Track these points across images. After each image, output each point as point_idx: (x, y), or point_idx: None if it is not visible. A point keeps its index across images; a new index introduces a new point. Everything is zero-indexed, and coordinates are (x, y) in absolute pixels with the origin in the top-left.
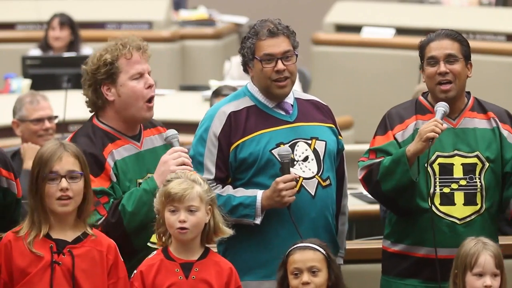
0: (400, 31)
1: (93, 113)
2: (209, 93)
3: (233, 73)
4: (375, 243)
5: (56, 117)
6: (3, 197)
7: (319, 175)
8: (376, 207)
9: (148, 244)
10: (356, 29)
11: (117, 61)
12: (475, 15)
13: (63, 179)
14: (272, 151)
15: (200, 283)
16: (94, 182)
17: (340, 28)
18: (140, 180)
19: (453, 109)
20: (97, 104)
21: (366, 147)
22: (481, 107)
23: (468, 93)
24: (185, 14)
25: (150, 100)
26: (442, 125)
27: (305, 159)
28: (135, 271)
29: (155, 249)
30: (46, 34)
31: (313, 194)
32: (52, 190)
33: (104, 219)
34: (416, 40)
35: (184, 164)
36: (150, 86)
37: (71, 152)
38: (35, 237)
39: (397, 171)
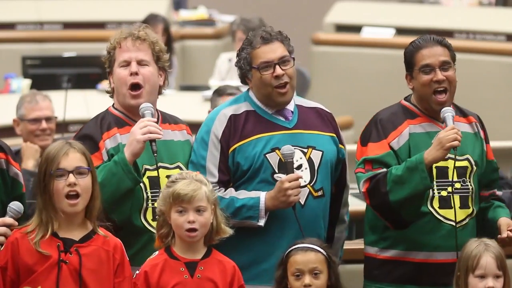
0: (400, 31)
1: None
2: (209, 93)
3: (221, 68)
4: None
5: (55, 118)
6: (11, 187)
7: (311, 184)
8: None
9: (146, 225)
10: (356, 29)
11: (114, 50)
12: (475, 15)
13: (71, 175)
14: (267, 155)
15: (206, 282)
16: None
17: (340, 28)
18: (148, 167)
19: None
20: (110, 90)
21: None
22: (461, 112)
23: None
24: (185, 14)
25: (134, 87)
26: (459, 130)
27: (299, 167)
28: (137, 271)
29: (147, 229)
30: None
31: (302, 203)
32: (60, 186)
33: None
34: None
35: (150, 133)
36: (132, 74)
37: (78, 148)
38: (43, 237)
39: (412, 179)
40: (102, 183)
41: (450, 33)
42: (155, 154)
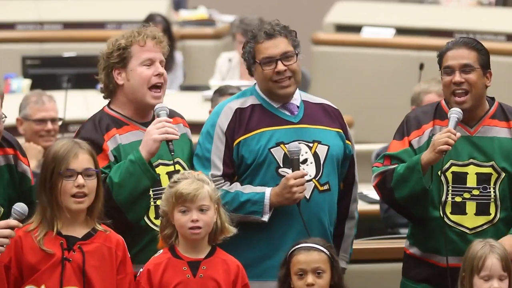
0: (400, 31)
1: (108, 101)
2: (209, 93)
3: (222, 67)
4: (375, 243)
5: (60, 119)
6: (19, 182)
7: (316, 179)
8: (376, 207)
9: (149, 224)
10: (356, 29)
11: (130, 47)
12: (475, 15)
13: (80, 176)
14: (271, 149)
15: (208, 281)
16: None
17: (340, 28)
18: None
19: (471, 116)
20: (109, 88)
21: (366, 147)
22: (503, 114)
23: (492, 99)
24: (185, 14)
25: (157, 87)
26: (455, 134)
27: (304, 161)
28: (141, 269)
29: (150, 228)
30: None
31: (307, 197)
32: (68, 186)
33: None
34: (416, 40)
35: (167, 133)
36: (159, 74)
37: (86, 149)
38: (46, 235)
39: (411, 178)
40: (119, 183)
41: (450, 33)
42: (172, 153)
